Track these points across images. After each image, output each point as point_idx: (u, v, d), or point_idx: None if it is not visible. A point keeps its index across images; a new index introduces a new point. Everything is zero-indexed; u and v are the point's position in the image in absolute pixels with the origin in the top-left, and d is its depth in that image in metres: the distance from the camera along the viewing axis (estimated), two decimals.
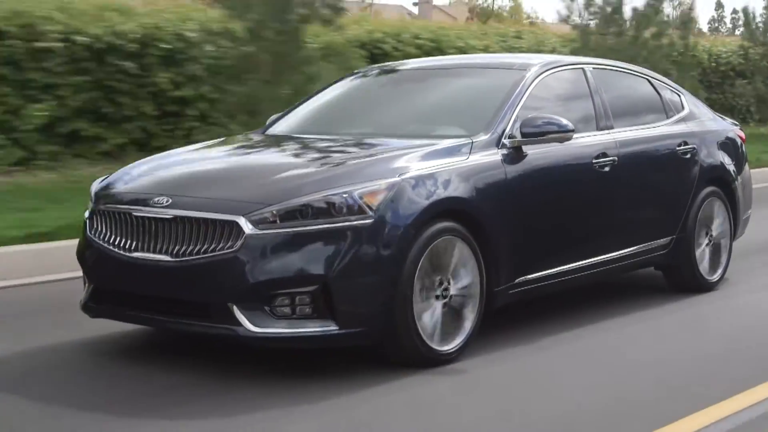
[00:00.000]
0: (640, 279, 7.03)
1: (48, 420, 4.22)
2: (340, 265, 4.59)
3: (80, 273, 5.29)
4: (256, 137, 6.16)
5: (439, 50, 14.91)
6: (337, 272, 4.58)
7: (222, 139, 6.44)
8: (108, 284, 5.03)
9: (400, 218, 4.74)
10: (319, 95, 6.61)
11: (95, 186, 5.32)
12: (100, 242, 4.98)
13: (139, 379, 4.74)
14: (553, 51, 17.00)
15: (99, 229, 5.03)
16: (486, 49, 15.99)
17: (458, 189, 5.04)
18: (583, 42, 15.20)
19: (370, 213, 4.67)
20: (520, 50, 16.81)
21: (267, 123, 6.54)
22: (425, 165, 5.00)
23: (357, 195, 4.68)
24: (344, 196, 4.66)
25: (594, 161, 5.93)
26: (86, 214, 5.20)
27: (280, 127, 6.26)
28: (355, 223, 4.64)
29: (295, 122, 6.28)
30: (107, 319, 5.15)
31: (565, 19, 15.89)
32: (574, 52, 14.75)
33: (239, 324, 4.56)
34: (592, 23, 15.61)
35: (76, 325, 5.52)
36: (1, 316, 6.04)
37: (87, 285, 5.14)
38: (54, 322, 5.82)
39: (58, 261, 6.94)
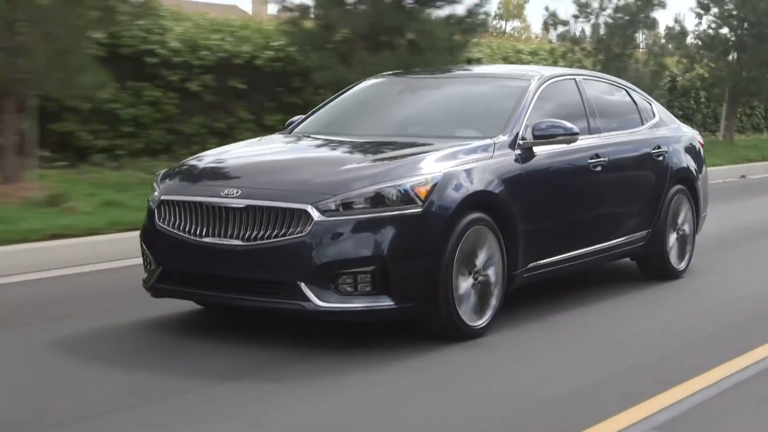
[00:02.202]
0: (615, 269, 7.85)
1: (138, 388, 4.77)
2: (395, 248, 5.24)
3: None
4: (291, 136, 6.73)
5: None
6: (393, 254, 5.23)
7: (259, 138, 7.00)
8: (177, 266, 5.56)
9: (443, 208, 5.42)
10: (337, 100, 7.20)
11: (160, 177, 5.84)
12: (170, 229, 5.51)
13: (213, 353, 5.31)
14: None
15: (168, 217, 5.55)
16: None
17: (487, 183, 5.74)
18: None
19: (419, 203, 5.33)
20: None
21: (287, 124, 7.11)
22: (460, 162, 5.68)
23: (408, 187, 5.34)
24: (398, 188, 5.31)
25: (589, 161, 6.70)
26: (151, 203, 5.73)
27: (306, 129, 6.84)
28: (407, 211, 5.30)
29: (319, 124, 6.88)
30: (172, 298, 5.70)
31: None
32: None
33: (307, 300, 5.17)
34: None
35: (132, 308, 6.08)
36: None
37: (154, 267, 5.65)
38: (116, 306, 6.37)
39: None
